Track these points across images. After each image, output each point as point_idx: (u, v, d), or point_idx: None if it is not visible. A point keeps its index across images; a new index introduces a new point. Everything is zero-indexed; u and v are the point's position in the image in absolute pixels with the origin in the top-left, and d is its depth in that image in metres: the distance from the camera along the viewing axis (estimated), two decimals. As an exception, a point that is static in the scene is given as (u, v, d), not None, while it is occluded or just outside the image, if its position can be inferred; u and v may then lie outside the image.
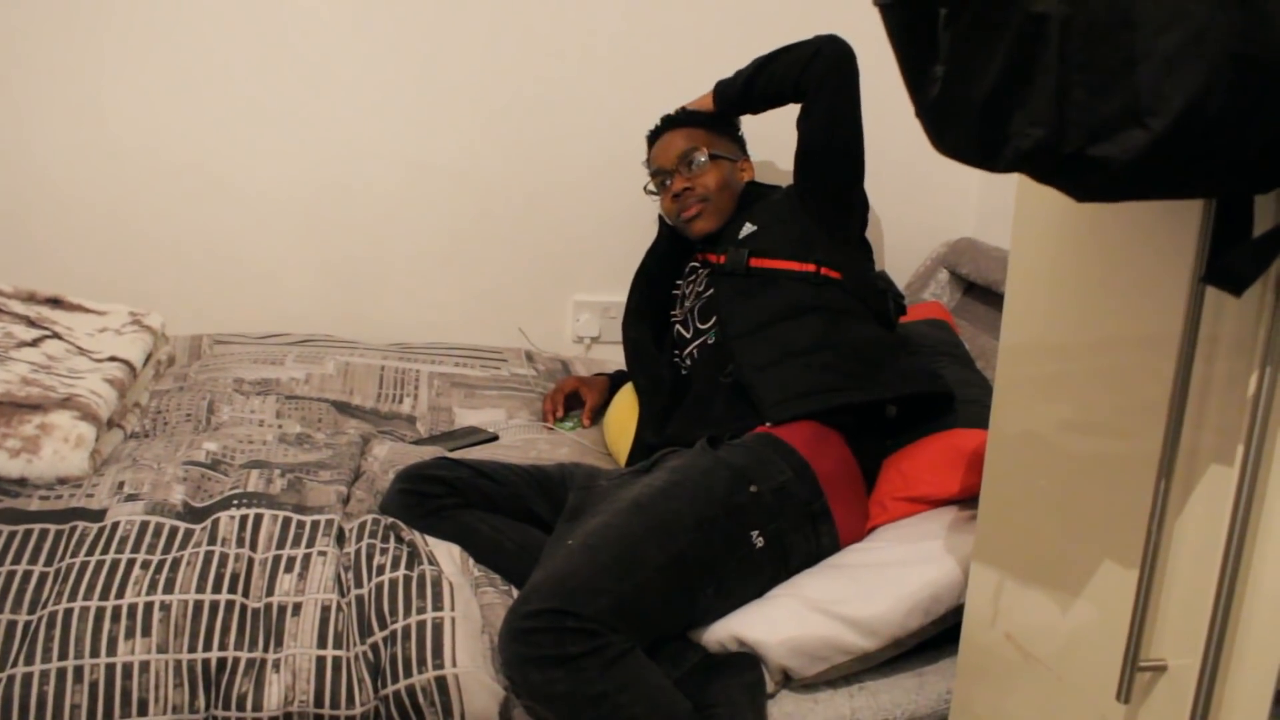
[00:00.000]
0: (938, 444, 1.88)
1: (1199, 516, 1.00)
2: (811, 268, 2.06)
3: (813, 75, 2.10)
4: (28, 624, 1.50)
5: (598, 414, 2.43)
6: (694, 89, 2.36)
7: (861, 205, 2.18)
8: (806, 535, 1.73)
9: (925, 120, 0.90)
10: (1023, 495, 1.31)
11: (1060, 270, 1.20)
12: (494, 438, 2.27)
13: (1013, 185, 1.19)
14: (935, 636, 1.63)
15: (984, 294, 2.62)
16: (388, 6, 2.61)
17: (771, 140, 2.44)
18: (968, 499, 1.79)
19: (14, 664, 1.44)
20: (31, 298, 2.31)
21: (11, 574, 1.58)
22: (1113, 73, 0.76)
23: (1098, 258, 1.13)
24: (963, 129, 0.87)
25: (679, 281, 2.31)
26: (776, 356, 1.94)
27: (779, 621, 1.60)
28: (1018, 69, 0.79)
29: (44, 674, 1.43)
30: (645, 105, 2.43)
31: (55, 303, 2.33)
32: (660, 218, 2.33)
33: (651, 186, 2.33)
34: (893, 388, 1.90)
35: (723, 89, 2.27)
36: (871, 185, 2.28)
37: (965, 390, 1.99)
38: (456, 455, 2.03)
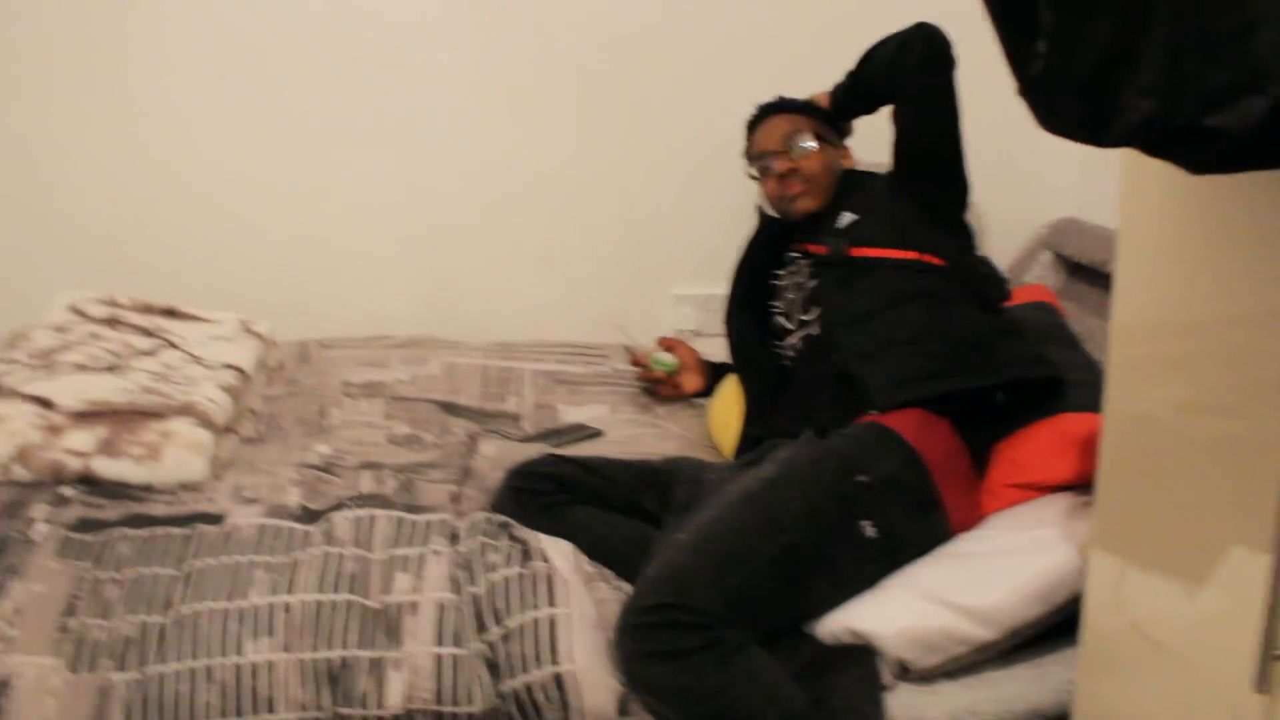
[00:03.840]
0: (1048, 429, 1.84)
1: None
2: (913, 255, 2.04)
3: (901, 70, 2.06)
4: (160, 625, 1.55)
5: (703, 389, 2.47)
6: (787, 78, 2.34)
7: (962, 189, 2.14)
8: (918, 524, 1.71)
9: (1029, 98, 0.88)
10: (1141, 479, 1.28)
11: (1172, 246, 1.17)
12: (599, 433, 2.28)
13: (1115, 162, 1.16)
14: (1054, 626, 1.60)
15: (1089, 274, 2.55)
16: (481, 8, 2.64)
17: (869, 125, 2.41)
18: (1081, 484, 1.75)
19: (149, 663, 1.49)
20: (148, 309, 2.39)
21: (142, 576, 1.63)
22: (1229, 38, 0.73)
23: (1212, 232, 1.09)
24: (1069, 105, 0.84)
25: (779, 272, 2.29)
26: (881, 345, 1.92)
27: (894, 613, 1.58)
28: (1125, 40, 0.77)
29: (177, 673, 1.47)
30: (739, 95, 2.41)
31: (169, 313, 2.40)
32: (759, 209, 2.32)
33: (753, 172, 2.32)
34: (1000, 374, 1.87)
35: (837, 92, 2.26)
36: (969, 168, 2.25)
37: (1073, 373, 1.94)
38: (563, 451, 2.04)
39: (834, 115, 2.28)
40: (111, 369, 2.10)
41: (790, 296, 2.19)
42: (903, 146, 2.11)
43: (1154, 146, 0.85)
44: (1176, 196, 1.14)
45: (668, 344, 2.47)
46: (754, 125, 2.32)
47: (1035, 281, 2.64)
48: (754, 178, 2.32)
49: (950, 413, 1.82)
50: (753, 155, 2.30)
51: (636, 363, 2.46)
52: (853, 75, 2.21)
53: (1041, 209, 2.77)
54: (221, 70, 2.65)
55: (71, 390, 1.97)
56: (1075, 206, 2.76)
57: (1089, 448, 1.67)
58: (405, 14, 2.63)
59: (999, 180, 2.69)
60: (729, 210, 2.59)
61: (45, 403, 1.93)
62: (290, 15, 2.62)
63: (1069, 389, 1.90)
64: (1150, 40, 0.77)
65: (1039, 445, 1.82)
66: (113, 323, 2.30)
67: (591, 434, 2.28)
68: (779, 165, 2.20)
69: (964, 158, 2.09)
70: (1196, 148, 0.81)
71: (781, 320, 2.21)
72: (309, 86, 2.67)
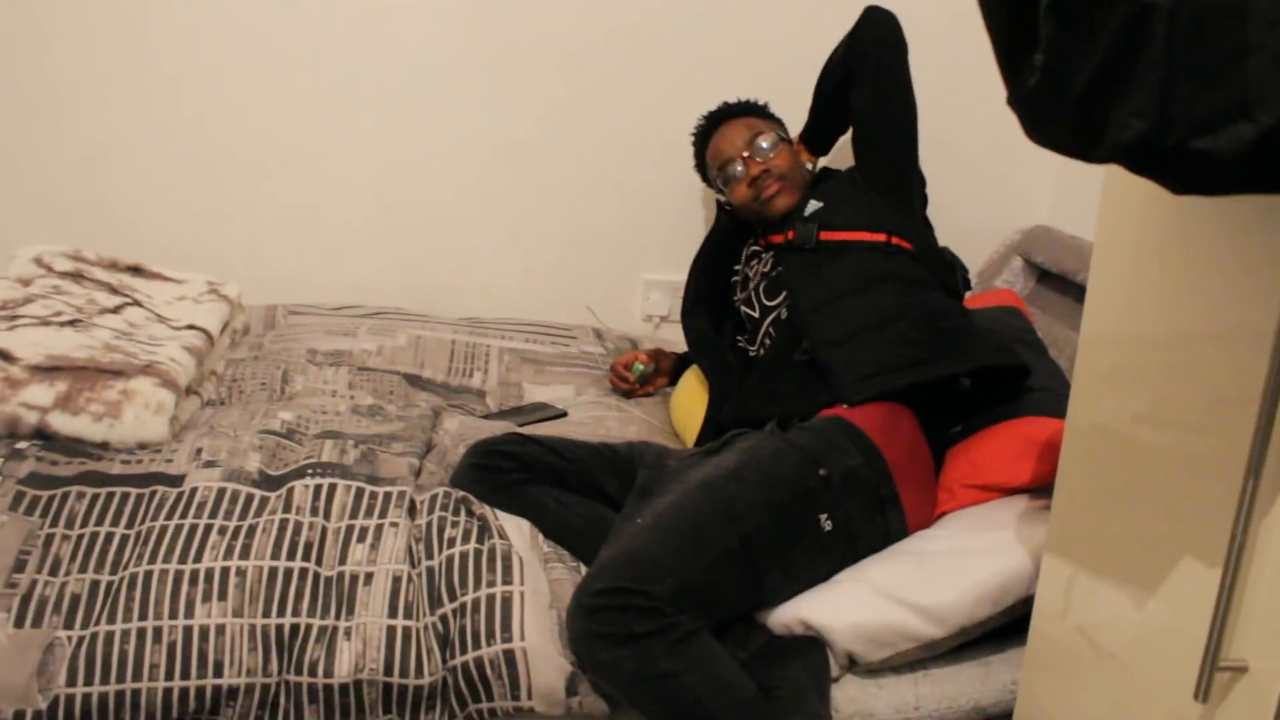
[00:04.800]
0: (1009, 432, 1.86)
1: (1287, 516, 0.98)
2: (883, 237, 2.07)
3: (857, 45, 2.16)
4: (110, 584, 1.55)
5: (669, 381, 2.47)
6: (761, 66, 2.38)
7: (919, 181, 2.21)
8: (875, 520, 1.72)
9: (1020, 109, 0.89)
10: (1099, 487, 1.30)
11: (1146, 261, 1.18)
12: (563, 414, 2.28)
13: (1090, 173, 1.17)
14: (1002, 626, 1.62)
15: (1058, 283, 2.58)
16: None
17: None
18: (1038, 489, 1.77)
19: (96, 622, 1.48)
20: (114, 265, 2.36)
21: (95, 535, 1.62)
22: (1220, 65, 0.74)
23: (1187, 249, 1.10)
24: (1060, 119, 0.85)
25: (736, 267, 2.30)
26: (851, 330, 1.93)
27: (846, 606, 1.60)
28: (1121, 59, 0.78)
29: (124, 633, 1.47)
30: (713, 82, 2.42)
31: (136, 271, 2.37)
32: (719, 204, 2.32)
33: (717, 182, 2.31)
34: (969, 359, 1.88)
35: (805, 128, 2.36)
36: (945, 171, 2.27)
37: (1037, 378, 1.96)
38: (526, 430, 2.04)
39: (807, 139, 2.34)
40: (74, 324, 2.07)
41: (753, 285, 2.20)
42: (860, 130, 2.19)
43: (1141, 165, 0.86)
44: (1154, 212, 1.15)
45: (652, 355, 2.46)
46: (706, 135, 2.33)
47: (1005, 286, 2.66)
48: (718, 189, 2.31)
49: (914, 400, 1.83)
50: (714, 166, 2.30)
51: (620, 374, 2.44)
52: (816, 92, 2.30)
53: (1015, 215, 2.79)
54: (198, 33, 2.61)
55: (31, 344, 1.94)
56: (1048, 214, 2.78)
57: (1049, 453, 1.69)
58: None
59: (975, 183, 2.72)
60: (701, 197, 2.60)
61: (4, 355, 1.91)
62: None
63: (1033, 394, 1.91)
64: (1145, 62, 0.78)
65: (999, 448, 1.83)
66: (77, 277, 2.27)
67: (555, 414, 2.28)
68: (752, 168, 2.20)
69: (916, 143, 2.16)
70: (1183, 169, 0.82)
71: (745, 309, 2.21)
72: (287, 52, 2.64)
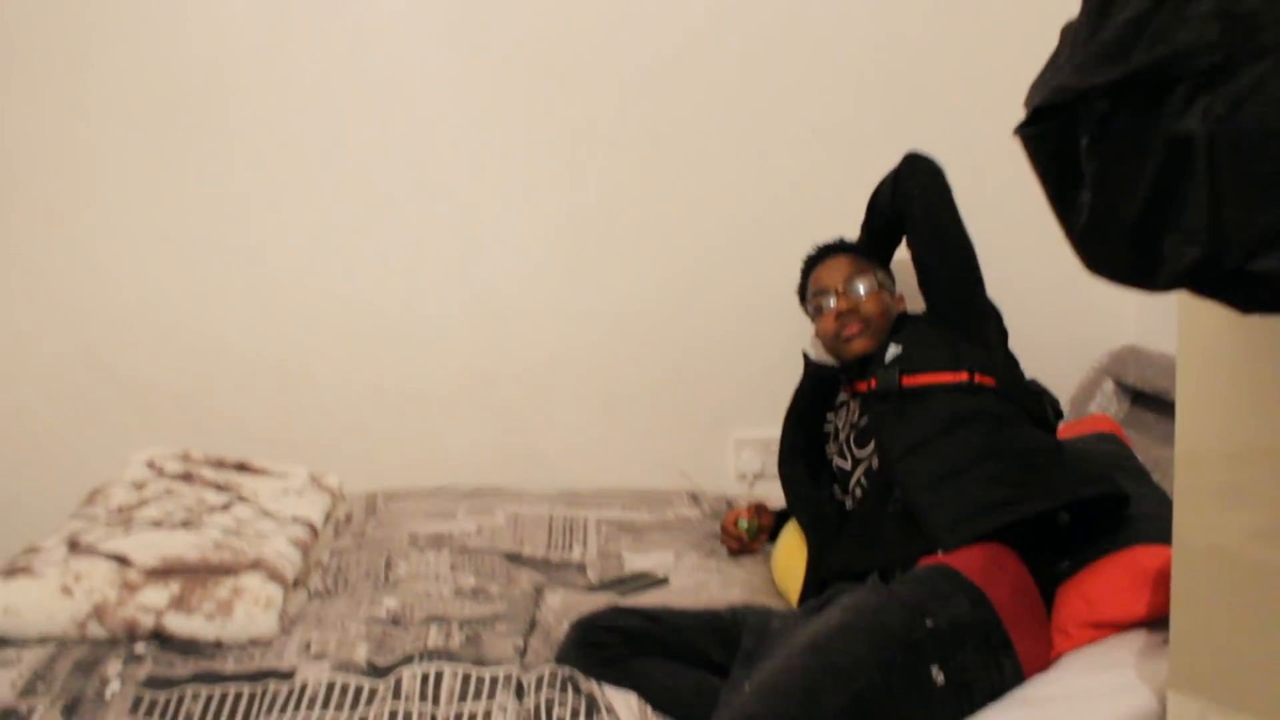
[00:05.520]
0: (1118, 563, 1.80)
1: None
2: (965, 376, 2.06)
3: (900, 194, 2.22)
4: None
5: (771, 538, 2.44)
6: (840, 221, 2.41)
7: (994, 313, 2.22)
8: (989, 668, 1.66)
9: (1076, 246, 0.90)
10: (1218, 613, 1.25)
11: (1233, 373, 1.16)
12: (664, 581, 2.27)
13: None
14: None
15: (1154, 403, 2.52)
16: (545, 167, 2.75)
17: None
18: (1157, 622, 1.70)
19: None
20: (220, 464, 2.45)
21: (211, 735, 1.64)
22: (1266, 185, 0.74)
23: (1274, 356, 1.09)
24: (1115, 253, 0.86)
25: (829, 415, 2.31)
26: (941, 474, 1.92)
27: (967, 761, 1.54)
28: (1166, 190, 0.79)
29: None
30: (795, 241, 2.47)
31: (241, 468, 2.46)
32: (805, 355, 2.34)
33: (809, 309, 2.37)
34: (1065, 493, 1.84)
35: (859, 243, 2.40)
36: (1024, 299, 2.29)
37: (1143, 505, 1.91)
38: (628, 601, 2.03)
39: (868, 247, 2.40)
40: (186, 524, 2.14)
41: (843, 436, 2.20)
42: (922, 274, 2.22)
43: (1203, 290, 0.85)
44: (1235, 324, 1.13)
45: (752, 509, 2.46)
46: (813, 263, 2.40)
47: (1098, 411, 2.61)
48: (809, 315, 2.37)
49: (1015, 540, 1.80)
50: (811, 292, 2.36)
51: (731, 534, 2.44)
52: (865, 217, 2.35)
53: (1102, 337, 2.76)
54: (285, 229, 2.77)
55: (147, 547, 2.01)
56: (1136, 333, 2.75)
57: (1163, 582, 1.63)
58: (469, 170, 2.75)
59: (1056, 310, 2.71)
60: (786, 353, 2.62)
61: (122, 560, 1.97)
62: (356, 163, 2.76)
63: (1139, 520, 1.86)
64: (1191, 190, 0.78)
65: (1111, 581, 1.78)
66: (187, 478, 2.35)
67: (656, 582, 2.27)
68: (839, 304, 2.25)
69: (979, 274, 2.18)
70: (1245, 291, 0.82)
71: (838, 461, 2.21)
72: (373, 240, 2.78)
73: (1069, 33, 0.89)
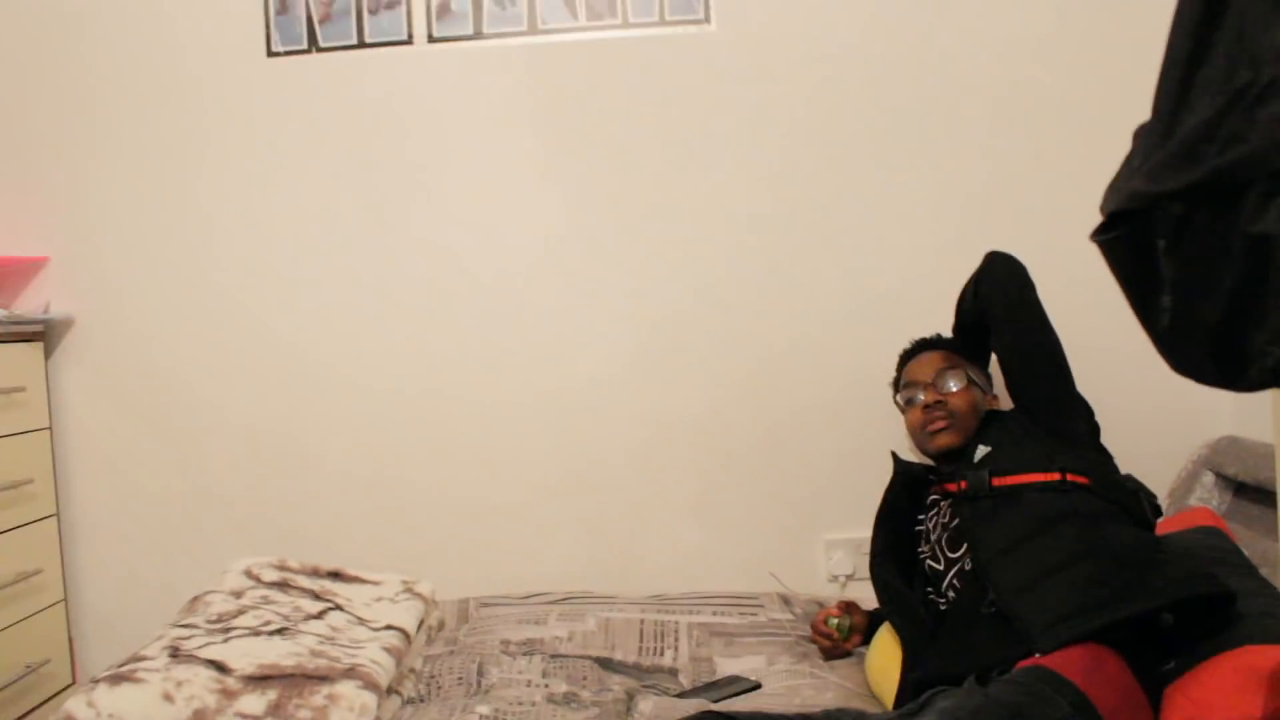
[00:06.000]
0: (1228, 664, 1.73)
1: None
2: (1056, 476, 2.04)
3: (983, 296, 2.25)
4: None
5: (862, 640, 2.40)
6: (930, 327, 2.43)
7: (1084, 409, 2.21)
8: (1095, 776, 1.61)
9: (1160, 349, 0.90)
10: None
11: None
12: (757, 686, 2.24)
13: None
14: None
15: (1257, 494, 2.45)
16: (628, 269, 2.82)
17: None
18: (1272, 727, 1.64)
19: None
20: (315, 571, 2.49)
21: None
22: None
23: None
24: (1200, 355, 0.86)
25: (920, 517, 2.29)
26: (1035, 575, 1.88)
27: None
28: (1247, 292, 0.79)
29: None
30: (879, 341, 2.49)
31: (336, 575, 2.50)
32: (894, 456, 2.33)
33: (900, 401, 2.39)
34: (1165, 593, 1.79)
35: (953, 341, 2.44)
36: (1116, 392, 2.28)
37: (1251, 601, 1.85)
38: (721, 707, 2.01)
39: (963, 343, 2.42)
40: (281, 632, 2.17)
41: (935, 538, 2.18)
42: (1007, 372, 2.25)
43: None
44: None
45: (843, 606, 2.44)
46: (909, 357, 2.44)
47: (1199, 504, 2.54)
48: (900, 408, 2.37)
49: (1117, 642, 1.75)
50: (903, 384, 2.39)
51: (822, 633, 2.41)
52: (955, 323, 2.41)
53: (1199, 429, 2.70)
54: (376, 341, 2.85)
55: (243, 654, 2.05)
56: (1234, 424, 2.68)
57: (1277, 684, 1.58)
58: (548, 287, 2.83)
59: (1151, 404, 2.67)
60: (874, 454, 2.61)
61: (220, 667, 2.01)
62: (442, 273, 2.86)
63: (1248, 619, 1.80)
64: (1272, 289, 0.78)
65: (1220, 682, 1.71)
66: (284, 586, 2.40)
67: (750, 687, 2.24)
68: (927, 396, 2.27)
69: (1067, 371, 2.19)
70: None
71: (930, 562, 2.19)
72: (460, 351, 2.86)
73: (1141, 136, 0.90)
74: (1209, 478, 2.59)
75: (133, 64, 2.88)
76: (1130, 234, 0.87)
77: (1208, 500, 2.56)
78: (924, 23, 2.77)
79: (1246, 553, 2.15)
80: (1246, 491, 2.50)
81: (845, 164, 2.79)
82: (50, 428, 2.91)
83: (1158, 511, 2.15)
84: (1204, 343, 0.84)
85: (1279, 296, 0.78)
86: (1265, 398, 1.21)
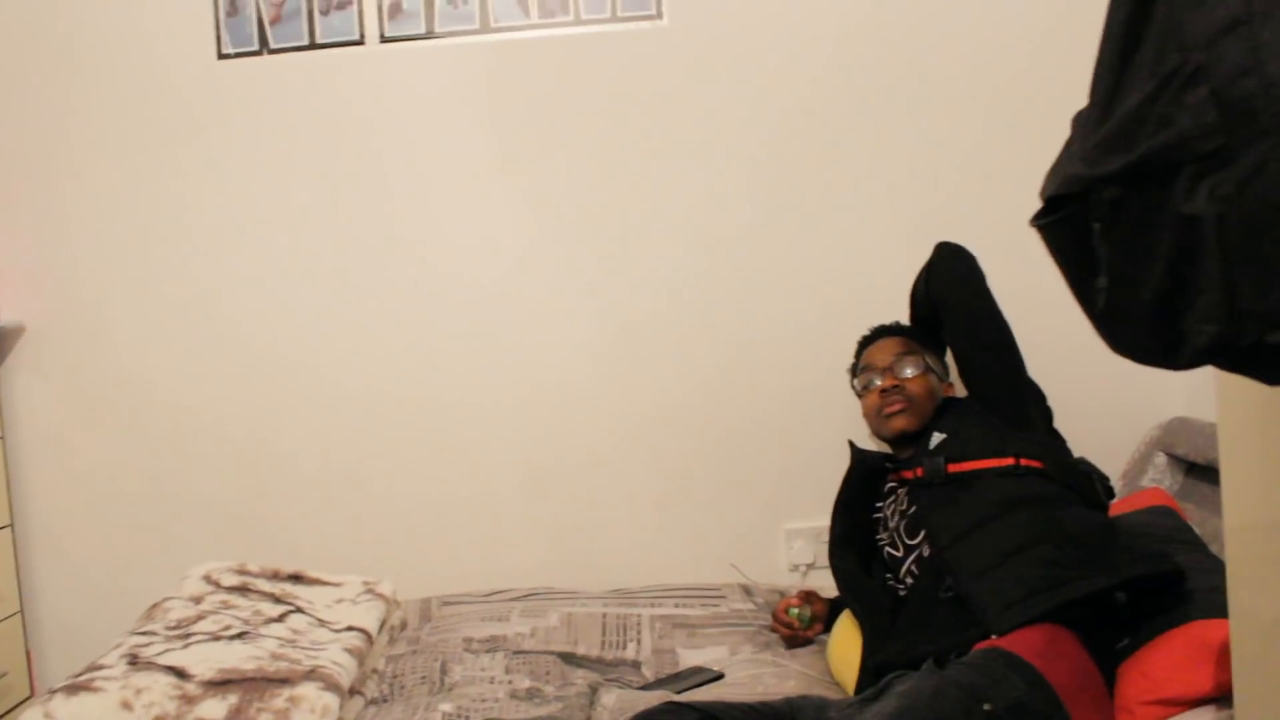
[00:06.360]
0: (1180, 638, 1.76)
1: None
2: (1010, 461, 2.08)
3: (934, 286, 2.29)
4: None
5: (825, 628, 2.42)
6: (883, 318, 2.45)
7: (1035, 395, 2.26)
8: (1052, 752, 1.64)
9: (1098, 328, 0.92)
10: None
11: (1275, 443, 1.15)
12: (719, 676, 2.26)
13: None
14: None
15: (1208, 473, 2.49)
16: (589, 266, 2.83)
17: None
18: (1223, 697, 1.67)
19: None
20: (276, 575, 2.48)
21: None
22: (1275, 261, 0.76)
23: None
24: (1136, 334, 0.88)
25: (878, 505, 2.32)
26: (992, 559, 1.91)
27: None
28: (1180, 271, 0.81)
29: None
30: (837, 335, 2.51)
31: (296, 578, 2.49)
32: (851, 445, 2.35)
33: (857, 386, 2.43)
34: (1118, 572, 1.82)
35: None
36: (1069, 376, 2.31)
37: (1203, 578, 1.87)
38: (684, 698, 2.02)
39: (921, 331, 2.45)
40: (242, 636, 2.16)
41: (893, 525, 2.21)
42: (960, 362, 2.29)
43: (1226, 365, 0.87)
44: (1271, 394, 1.13)
45: (803, 596, 2.45)
46: (867, 342, 2.47)
47: (1152, 485, 2.58)
48: (857, 393, 2.40)
49: (1071, 620, 1.77)
50: (860, 368, 2.43)
51: (783, 622, 2.42)
52: (910, 313, 2.45)
53: (1150, 410, 2.73)
54: (337, 340, 2.84)
55: (203, 660, 2.03)
56: (1184, 404, 2.72)
57: (1226, 656, 1.60)
58: (524, 268, 2.84)
59: (1102, 387, 2.70)
60: (834, 443, 2.63)
61: (180, 673, 1.99)
62: (404, 271, 2.85)
63: (1198, 594, 1.83)
64: (1203, 269, 0.80)
65: (1172, 657, 1.74)
66: (244, 590, 2.39)
67: (712, 677, 2.25)
68: (884, 380, 2.30)
69: (1018, 358, 2.23)
70: (1267, 364, 0.83)
71: (889, 549, 2.21)
72: (422, 349, 2.85)
73: (1079, 121, 0.92)
74: (1161, 459, 2.63)
75: (82, 70, 2.85)
76: (1068, 217, 0.89)
77: (1160, 480, 2.60)
78: (878, 11, 2.79)
79: (1198, 530, 2.19)
80: (1197, 471, 2.54)
81: (802, 158, 2.80)
82: (3, 437, 2.88)
83: (1110, 493, 2.19)
84: (1140, 323, 0.86)
85: (1210, 277, 0.79)
86: (1213, 379, 1.23)
